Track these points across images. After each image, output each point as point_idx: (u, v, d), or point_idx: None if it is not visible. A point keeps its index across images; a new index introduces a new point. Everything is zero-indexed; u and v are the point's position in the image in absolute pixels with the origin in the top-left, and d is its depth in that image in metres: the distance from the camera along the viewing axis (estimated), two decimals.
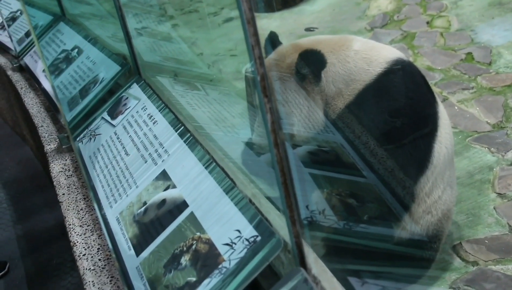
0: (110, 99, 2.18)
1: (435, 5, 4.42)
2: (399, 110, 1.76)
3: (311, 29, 4.62)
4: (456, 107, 3.01)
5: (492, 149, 2.63)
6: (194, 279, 1.20)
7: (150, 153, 1.69)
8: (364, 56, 1.79)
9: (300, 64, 1.74)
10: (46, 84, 2.88)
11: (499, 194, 2.35)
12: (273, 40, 1.93)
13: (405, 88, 1.79)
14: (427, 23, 4.18)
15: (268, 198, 1.33)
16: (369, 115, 1.75)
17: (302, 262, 1.05)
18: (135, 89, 2.11)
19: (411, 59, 3.62)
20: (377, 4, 4.73)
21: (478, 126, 2.83)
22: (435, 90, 3.19)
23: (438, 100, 1.89)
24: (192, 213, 1.35)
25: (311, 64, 1.75)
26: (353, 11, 4.78)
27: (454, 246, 2.12)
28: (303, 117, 1.77)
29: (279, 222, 1.18)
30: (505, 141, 2.66)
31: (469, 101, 3.05)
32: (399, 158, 1.72)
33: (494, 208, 2.28)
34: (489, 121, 2.84)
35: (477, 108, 2.96)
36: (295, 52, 1.79)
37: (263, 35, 0.94)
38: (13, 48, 3.66)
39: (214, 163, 1.43)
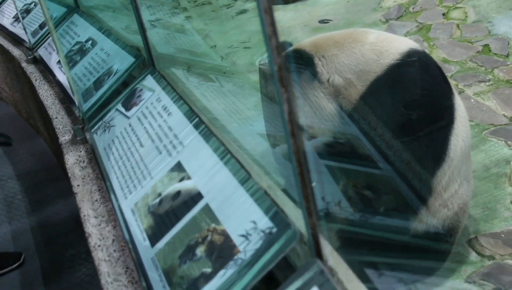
0: (125, 91, 2.18)
1: None
2: (414, 102, 1.74)
3: (325, 21, 4.59)
4: (472, 100, 2.98)
5: (509, 142, 2.60)
6: (209, 270, 1.19)
7: (164, 145, 1.69)
8: (374, 47, 1.77)
9: (293, 67, 1.75)
10: (61, 76, 2.89)
11: None
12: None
13: (419, 80, 1.77)
14: (443, 14, 4.13)
15: (284, 190, 1.32)
16: (384, 107, 1.74)
17: (318, 253, 1.04)
18: (149, 81, 2.10)
19: (426, 51, 3.59)
20: None
21: (494, 119, 2.80)
22: (451, 82, 3.16)
23: (455, 92, 1.87)
24: (207, 205, 1.34)
25: (298, 62, 1.75)
26: (368, 3, 4.74)
27: (470, 240, 2.11)
28: (314, 108, 1.76)
29: (294, 214, 1.17)
30: None
31: (485, 94, 3.01)
32: (415, 150, 1.70)
33: (511, 202, 2.25)
34: (506, 114, 2.81)
35: (494, 101, 2.93)
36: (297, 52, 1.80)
37: (278, 26, 0.93)
38: (27, 40, 3.68)
39: (229, 155, 1.42)
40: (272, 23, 0.91)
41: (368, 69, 1.74)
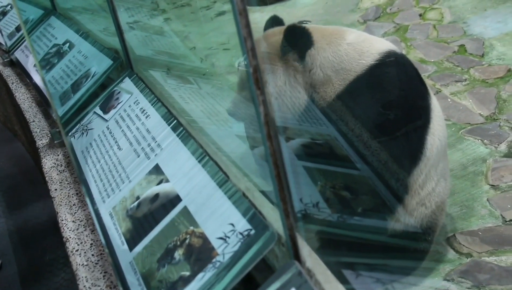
0: (102, 94, 2.17)
1: None
2: (392, 102, 1.75)
3: (304, 22, 4.60)
4: (449, 99, 3.01)
5: (485, 141, 2.63)
6: (187, 273, 1.19)
7: (143, 148, 1.68)
8: (357, 46, 1.78)
9: (286, 37, 1.73)
10: (38, 79, 2.86)
11: (492, 186, 2.35)
12: (275, 23, 1.93)
13: (398, 80, 1.79)
14: (420, 15, 4.17)
15: (262, 192, 1.32)
16: (360, 107, 1.74)
17: (296, 255, 1.04)
18: (127, 83, 2.09)
19: (404, 52, 3.62)
20: None
21: (471, 118, 2.83)
22: (428, 82, 3.19)
23: (431, 92, 1.89)
24: (185, 207, 1.34)
25: (297, 39, 1.75)
26: (346, 4, 4.77)
27: (448, 238, 2.13)
28: (289, 103, 1.76)
29: (273, 215, 1.18)
30: (498, 133, 2.66)
31: (462, 93, 3.05)
32: (392, 150, 1.72)
33: (488, 199, 2.28)
34: (482, 113, 2.85)
35: (470, 100, 2.97)
36: (281, 33, 1.79)
37: (256, 28, 0.93)
38: (3, 43, 3.64)
39: (207, 157, 1.42)
40: (247, 25, 0.91)
41: (349, 68, 1.75)
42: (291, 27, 1.74)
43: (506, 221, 2.16)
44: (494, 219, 2.18)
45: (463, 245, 2.07)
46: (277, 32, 1.81)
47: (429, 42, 3.71)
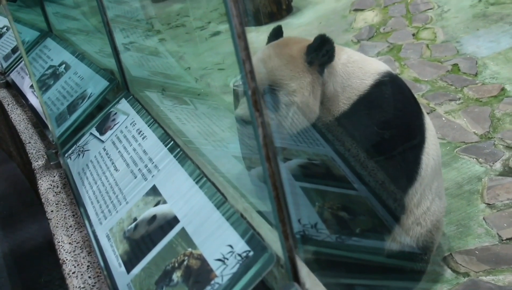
0: (99, 115, 2.17)
1: (421, 17, 4.46)
2: (389, 123, 1.76)
3: None
4: (443, 118, 3.03)
5: (480, 159, 2.65)
6: None
7: (139, 169, 1.68)
8: (361, 66, 1.80)
9: (315, 46, 1.73)
10: (34, 100, 2.86)
11: (488, 205, 2.36)
12: (277, 34, 1.94)
13: (397, 100, 1.80)
14: (413, 35, 4.21)
15: (260, 212, 1.32)
16: (363, 126, 1.75)
17: (295, 276, 1.04)
18: (123, 104, 2.10)
19: (398, 71, 3.65)
20: (363, 17, 4.77)
21: (465, 137, 2.85)
22: (422, 101, 3.21)
23: (424, 111, 1.91)
24: (183, 229, 1.34)
25: (324, 50, 1.73)
26: (339, 24, 4.81)
27: (445, 257, 2.13)
28: (308, 113, 1.75)
29: (271, 237, 1.18)
30: (493, 152, 2.68)
31: (456, 112, 3.07)
32: (390, 170, 1.72)
33: (484, 218, 2.29)
34: (476, 132, 2.86)
35: (464, 119, 2.99)
36: (298, 42, 1.80)
37: (251, 48, 0.94)
38: None
39: (205, 178, 1.42)
40: (246, 48, 0.92)
41: (354, 86, 1.76)
42: (323, 37, 1.73)
43: (502, 240, 2.16)
44: (490, 238, 2.18)
45: (460, 265, 2.07)
46: (296, 41, 1.81)
47: (422, 61, 3.74)
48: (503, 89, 3.17)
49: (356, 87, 1.76)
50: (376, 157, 1.70)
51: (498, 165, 2.58)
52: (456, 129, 2.92)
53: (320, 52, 1.71)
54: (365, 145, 1.71)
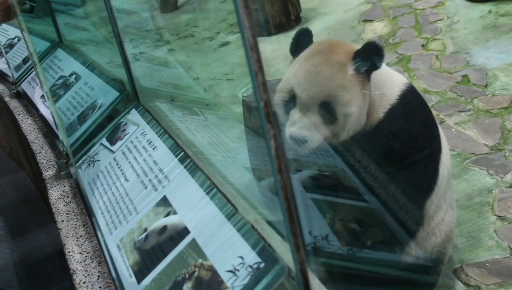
0: (109, 125, 2.18)
1: (430, 28, 4.46)
2: (418, 132, 1.76)
3: None
4: (453, 130, 3.02)
5: (491, 171, 2.63)
6: None
7: (150, 179, 1.69)
8: (389, 74, 1.79)
9: (365, 54, 1.66)
10: (44, 110, 2.88)
11: (499, 217, 2.34)
12: (305, 38, 1.84)
13: (420, 110, 1.80)
14: (422, 46, 4.21)
15: (270, 224, 1.32)
16: (395, 136, 1.72)
17: (306, 288, 1.04)
18: (133, 115, 2.11)
19: None
20: (372, 28, 4.78)
21: (476, 149, 2.83)
22: (432, 112, 3.21)
23: (436, 121, 1.91)
24: (193, 240, 1.34)
25: (373, 57, 1.66)
26: (348, 35, 4.82)
27: (455, 269, 2.11)
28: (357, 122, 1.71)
29: (282, 248, 1.17)
30: (504, 163, 2.66)
31: (466, 124, 3.06)
32: (409, 181, 1.72)
33: (495, 230, 2.27)
34: (487, 143, 2.85)
35: (475, 131, 2.97)
36: (341, 46, 1.72)
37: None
38: (10, 75, 3.67)
39: (215, 189, 1.42)
40: (259, 60, 0.92)
41: (387, 94, 1.74)
42: (373, 44, 1.66)
43: None
44: (501, 250, 2.16)
45: (471, 277, 2.06)
46: (339, 45, 1.74)
47: (432, 72, 3.73)
48: None
49: (389, 95, 1.74)
50: (403, 167, 1.69)
51: (509, 177, 2.57)
52: (466, 140, 2.91)
53: (369, 58, 1.65)
54: (397, 155, 1.69)
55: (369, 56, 1.65)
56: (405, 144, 1.72)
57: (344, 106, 1.63)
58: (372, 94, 1.71)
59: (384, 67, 1.79)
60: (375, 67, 1.67)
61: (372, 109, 1.72)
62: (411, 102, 1.77)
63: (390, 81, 1.77)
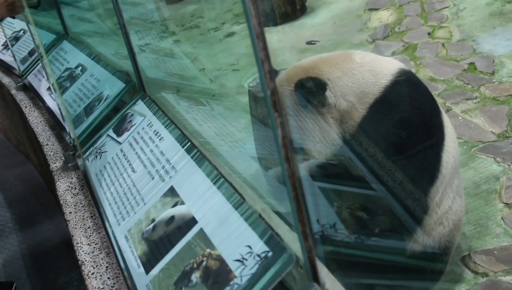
0: (115, 116, 2.19)
1: (436, 16, 4.43)
2: (409, 122, 1.75)
3: (313, 42, 4.64)
4: (460, 118, 3.01)
5: (498, 159, 2.62)
6: None
7: (157, 170, 1.69)
8: (369, 68, 1.79)
9: (300, 93, 1.74)
10: (51, 102, 2.89)
11: (507, 204, 2.34)
12: None
13: (413, 99, 1.79)
14: (428, 34, 4.19)
15: (278, 213, 1.32)
16: (383, 129, 1.74)
17: (314, 277, 1.04)
18: (140, 106, 2.11)
19: (413, 70, 3.63)
20: (378, 16, 4.75)
21: (483, 136, 2.82)
22: (439, 100, 3.19)
23: (441, 109, 1.90)
24: (201, 230, 1.34)
25: (309, 90, 1.74)
26: (354, 24, 4.80)
27: (463, 257, 2.11)
28: (321, 132, 1.76)
29: (289, 237, 1.18)
30: (511, 151, 2.65)
31: (473, 111, 3.04)
32: (411, 169, 1.72)
33: (502, 218, 2.27)
34: (494, 131, 2.84)
35: (482, 118, 2.96)
36: (297, 76, 1.78)
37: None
38: (16, 68, 3.68)
39: (222, 179, 1.43)
40: (265, 48, 0.92)
41: (368, 91, 1.75)
42: (298, 84, 1.73)
43: None
44: (509, 237, 2.16)
45: (479, 265, 2.05)
46: (292, 78, 1.80)
47: (438, 61, 3.72)
48: None
49: (370, 91, 1.75)
50: (396, 157, 1.70)
51: None
52: (473, 128, 2.90)
53: (308, 94, 1.72)
54: (385, 146, 1.70)
55: (305, 92, 1.73)
56: (391, 135, 1.73)
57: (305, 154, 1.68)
58: (343, 102, 1.74)
59: (365, 60, 1.80)
60: (322, 92, 1.72)
61: (352, 112, 1.76)
62: (401, 92, 1.77)
63: (373, 74, 1.77)
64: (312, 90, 1.73)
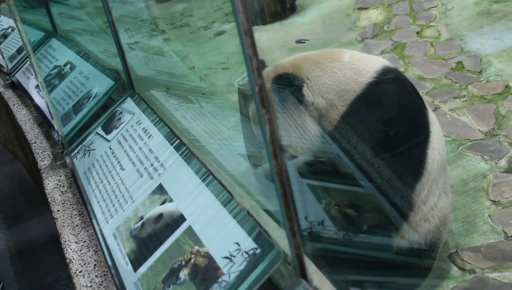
0: (104, 114, 2.18)
1: (425, 15, 4.46)
2: (392, 119, 1.76)
3: (302, 41, 4.65)
4: (448, 116, 3.03)
5: (485, 156, 2.64)
6: None
7: (145, 167, 1.69)
8: (352, 66, 1.80)
9: (277, 89, 1.74)
10: (39, 100, 2.87)
11: (494, 202, 2.36)
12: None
13: (395, 96, 1.80)
14: (417, 33, 4.21)
15: (266, 210, 1.33)
16: (364, 125, 1.75)
17: (302, 273, 1.04)
18: (129, 104, 2.10)
19: (402, 69, 3.65)
20: (367, 15, 4.77)
21: (470, 134, 2.84)
22: (427, 99, 3.21)
23: (428, 106, 1.91)
24: (190, 227, 1.34)
25: (286, 87, 1.75)
26: (343, 23, 4.81)
27: (451, 254, 2.13)
28: (299, 130, 1.77)
29: (278, 234, 1.18)
30: (498, 149, 2.67)
31: (461, 110, 3.06)
32: (395, 166, 1.72)
33: (489, 215, 2.28)
34: (481, 129, 2.86)
35: (469, 116, 2.98)
36: (276, 74, 1.79)
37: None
38: (4, 65, 3.66)
39: (211, 176, 1.43)
40: (253, 44, 0.92)
41: (348, 88, 1.75)
42: (275, 81, 1.74)
43: (508, 237, 2.16)
44: (496, 235, 2.18)
45: (466, 262, 2.07)
46: (271, 77, 1.82)
47: (426, 59, 3.74)
48: (507, 86, 3.17)
49: (351, 88, 1.75)
50: (380, 154, 1.71)
51: (503, 162, 2.58)
52: (460, 126, 2.92)
53: (285, 90, 1.73)
54: (369, 143, 1.71)
55: (282, 90, 1.74)
56: (375, 132, 1.74)
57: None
58: (321, 100, 1.75)
59: (349, 58, 1.82)
60: (299, 89, 1.74)
61: (332, 109, 1.76)
62: (384, 89, 1.78)
63: (355, 72, 1.78)
64: (288, 87, 1.73)
